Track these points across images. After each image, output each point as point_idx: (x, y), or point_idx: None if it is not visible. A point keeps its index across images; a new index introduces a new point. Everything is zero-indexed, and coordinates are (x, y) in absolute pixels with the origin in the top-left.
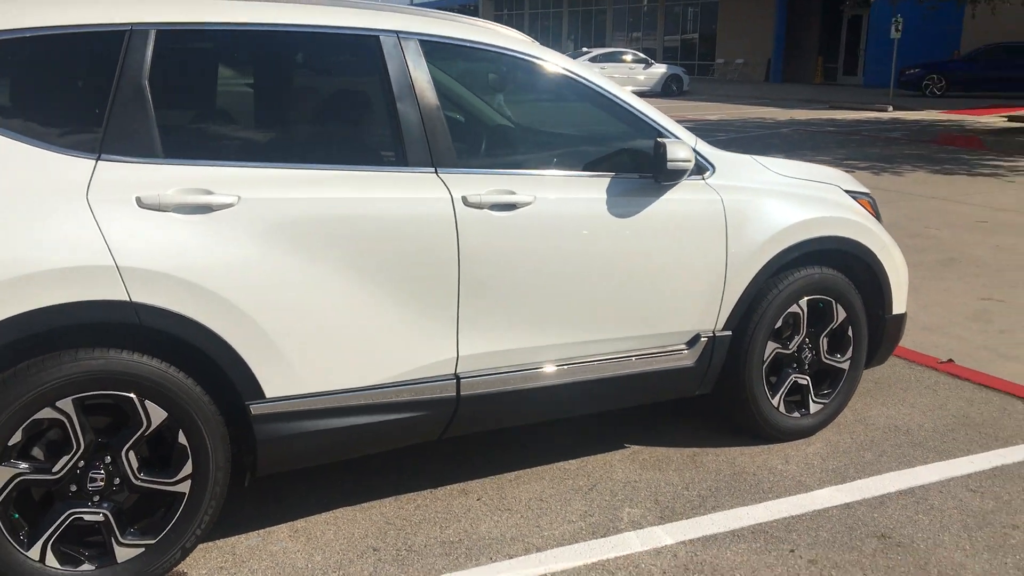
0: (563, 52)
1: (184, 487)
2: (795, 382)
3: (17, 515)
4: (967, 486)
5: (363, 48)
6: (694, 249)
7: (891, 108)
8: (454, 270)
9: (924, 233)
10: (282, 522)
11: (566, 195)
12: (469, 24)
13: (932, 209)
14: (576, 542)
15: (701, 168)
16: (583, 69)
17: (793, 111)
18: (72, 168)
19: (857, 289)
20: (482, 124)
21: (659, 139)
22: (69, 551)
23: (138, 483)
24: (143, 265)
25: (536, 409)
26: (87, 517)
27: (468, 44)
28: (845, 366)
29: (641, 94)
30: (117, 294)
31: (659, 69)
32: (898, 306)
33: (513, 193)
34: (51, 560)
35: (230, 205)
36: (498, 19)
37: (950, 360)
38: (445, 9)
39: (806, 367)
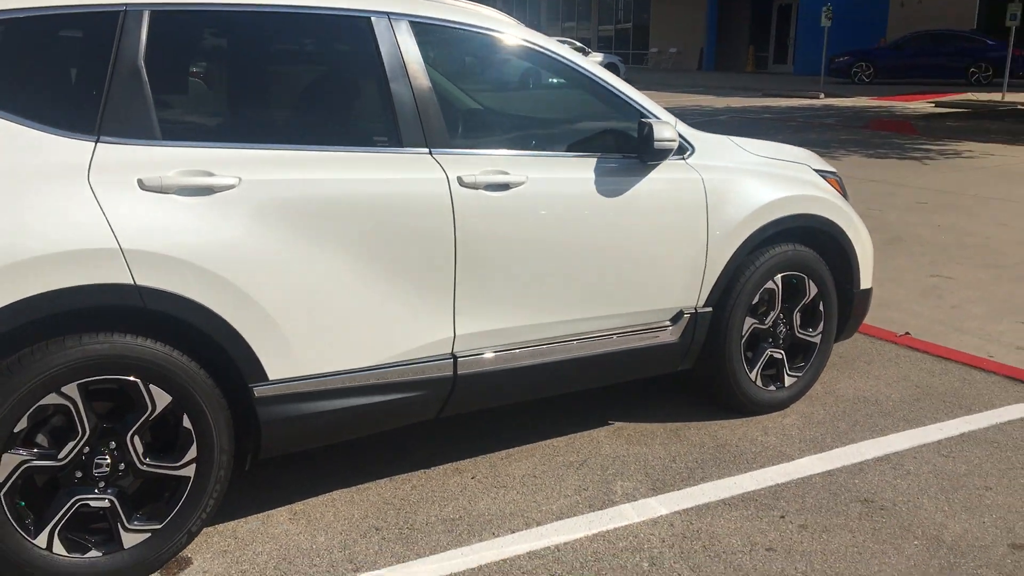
0: None
1: (189, 471)
2: (771, 356)
3: (23, 503)
4: (939, 452)
5: (355, 29)
6: (677, 227)
7: (823, 95)
8: (451, 249)
9: (868, 214)
10: (280, 506)
11: (556, 175)
12: (457, 6)
13: (872, 192)
14: (575, 515)
15: (682, 148)
16: (569, 52)
17: (729, 99)
18: (72, 150)
19: (827, 265)
20: (470, 105)
21: (643, 120)
22: (75, 538)
23: (143, 468)
24: (148, 248)
25: (530, 387)
26: (93, 503)
27: (456, 25)
28: (817, 340)
29: None
30: (122, 277)
31: (596, 58)
32: (865, 281)
33: (506, 173)
34: (58, 548)
35: (231, 187)
36: None
37: (907, 333)
38: None
39: (781, 341)
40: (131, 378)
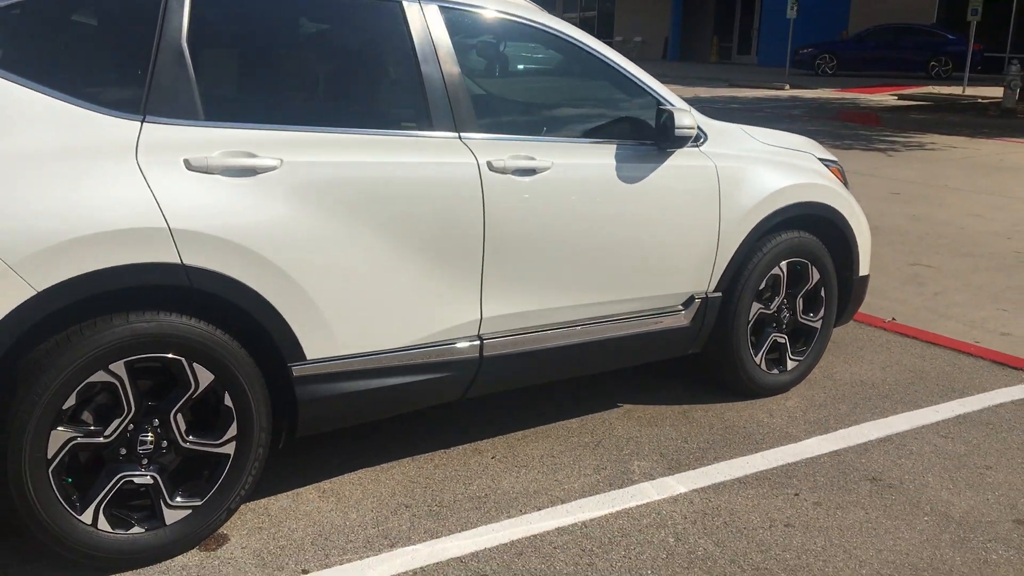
0: None
1: (229, 448)
2: (775, 341)
3: (70, 479)
4: (938, 432)
5: (388, 13)
6: (692, 213)
7: (788, 86)
8: (480, 232)
9: None
10: (308, 484)
11: (579, 161)
12: None
13: None
14: (596, 493)
15: (696, 136)
16: (589, 38)
17: (696, 88)
18: (120, 129)
19: (828, 252)
20: (495, 90)
21: (661, 107)
22: (119, 514)
23: (186, 445)
24: (195, 228)
25: (550, 369)
26: (136, 480)
27: (483, 10)
28: (818, 325)
29: None
30: (170, 257)
31: None
32: (863, 268)
33: (533, 159)
34: (103, 524)
35: (273, 168)
36: None
37: (893, 319)
38: None
39: (784, 326)
40: (176, 356)
